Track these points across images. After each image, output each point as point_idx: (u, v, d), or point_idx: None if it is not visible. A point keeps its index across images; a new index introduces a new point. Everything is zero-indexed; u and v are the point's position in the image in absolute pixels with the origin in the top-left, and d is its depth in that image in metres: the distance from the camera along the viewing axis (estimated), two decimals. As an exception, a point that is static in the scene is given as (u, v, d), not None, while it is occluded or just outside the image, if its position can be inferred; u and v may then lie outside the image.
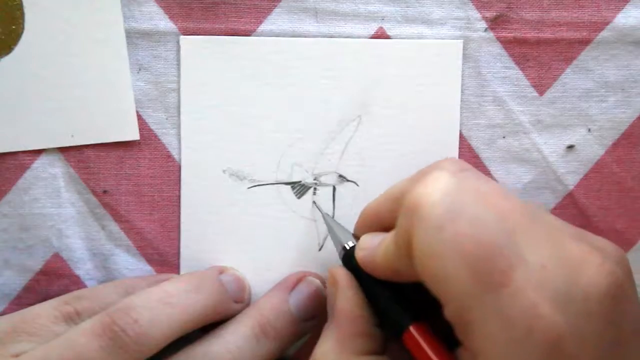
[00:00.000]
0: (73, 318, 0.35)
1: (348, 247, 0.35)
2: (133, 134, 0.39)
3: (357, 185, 0.39)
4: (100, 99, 0.38)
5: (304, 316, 0.37)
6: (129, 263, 0.40)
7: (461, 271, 0.27)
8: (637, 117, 0.38)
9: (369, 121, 0.38)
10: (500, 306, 0.26)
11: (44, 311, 0.36)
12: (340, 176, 0.39)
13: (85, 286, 0.40)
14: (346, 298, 0.34)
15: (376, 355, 0.33)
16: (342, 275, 0.34)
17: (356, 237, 0.36)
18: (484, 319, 0.27)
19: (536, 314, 0.26)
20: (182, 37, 0.38)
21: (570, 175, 0.39)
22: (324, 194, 0.39)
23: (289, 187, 0.39)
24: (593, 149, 0.39)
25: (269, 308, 0.37)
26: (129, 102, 0.39)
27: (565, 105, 0.39)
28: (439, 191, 0.29)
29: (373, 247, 0.33)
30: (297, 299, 0.38)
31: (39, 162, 0.39)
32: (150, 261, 0.40)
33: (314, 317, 0.38)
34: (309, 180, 0.39)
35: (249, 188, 0.39)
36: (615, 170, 0.39)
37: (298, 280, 0.38)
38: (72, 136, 0.38)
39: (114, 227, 0.39)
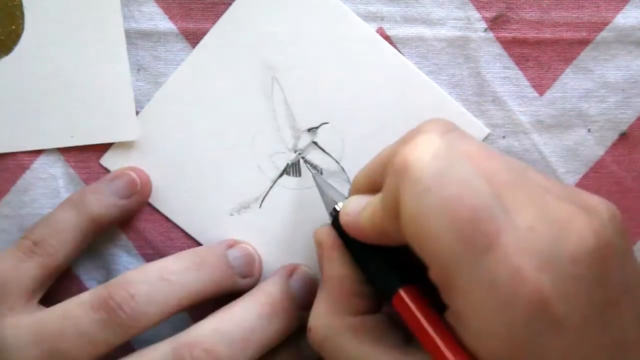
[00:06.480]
0: (34, 250, 0.36)
1: (338, 209, 0.34)
2: (133, 134, 0.39)
3: (328, 123, 0.39)
4: (100, 99, 0.38)
5: (302, 304, 0.37)
6: (129, 263, 0.40)
7: (448, 234, 0.27)
8: (637, 117, 0.38)
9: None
10: (484, 270, 0.26)
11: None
12: (310, 130, 0.39)
13: (85, 287, 0.40)
14: (332, 259, 0.34)
15: (370, 314, 0.33)
16: (326, 236, 0.34)
17: None
18: (469, 282, 0.27)
19: (520, 278, 0.26)
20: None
21: (570, 175, 0.39)
22: (313, 155, 0.39)
23: (286, 176, 0.39)
24: (593, 149, 0.39)
25: (276, 289, 0.37)
26: (129, 102, 0.39)
27: (565, 105, 0.38)
28: (428, 153, 0.29)
29: (358, 211, 0.33)
30: (296, 285, 0.37)
31: (39, 163, 0.39)
32: (150, 261, 0.40)
33: (310, 306, 0.37)
34: (292, 157, 0.39)
35: (259, 208, 0.39)
36: (615, 170, 0.39)
37: (293, 269, 0.38)
38: (72, 136, 0.39)
39: (114, 227, 0.39)
